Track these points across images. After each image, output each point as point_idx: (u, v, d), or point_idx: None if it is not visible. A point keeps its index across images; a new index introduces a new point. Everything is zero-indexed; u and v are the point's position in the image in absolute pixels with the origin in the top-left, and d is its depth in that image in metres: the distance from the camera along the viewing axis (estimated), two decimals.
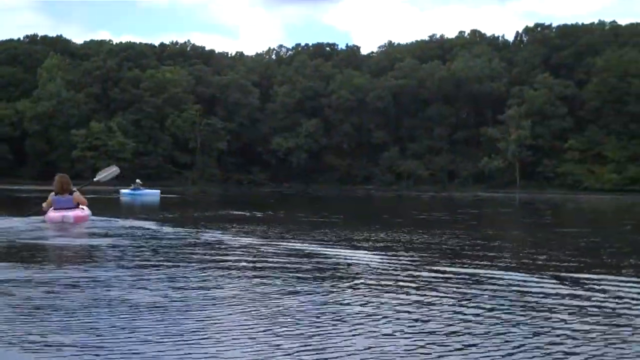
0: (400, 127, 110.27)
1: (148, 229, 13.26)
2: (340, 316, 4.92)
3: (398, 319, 4.87)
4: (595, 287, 6.55)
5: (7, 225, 13.07)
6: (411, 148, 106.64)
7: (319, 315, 4.93)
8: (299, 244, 10.42)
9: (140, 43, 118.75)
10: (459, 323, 4.74)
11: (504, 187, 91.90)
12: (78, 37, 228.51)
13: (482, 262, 8.52)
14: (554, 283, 6.82)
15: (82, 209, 14.62)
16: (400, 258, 8.95)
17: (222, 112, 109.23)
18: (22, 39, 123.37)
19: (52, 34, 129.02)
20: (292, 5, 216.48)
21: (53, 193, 14.28)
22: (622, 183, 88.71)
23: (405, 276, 7.19)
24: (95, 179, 17.86)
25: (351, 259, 8.59)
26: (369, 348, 4.03)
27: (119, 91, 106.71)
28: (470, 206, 35.81)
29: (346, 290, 6.14)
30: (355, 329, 4.48)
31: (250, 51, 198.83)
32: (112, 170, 18.06)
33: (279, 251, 9.39)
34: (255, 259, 8.60)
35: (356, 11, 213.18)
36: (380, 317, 4.91)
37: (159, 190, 44.47)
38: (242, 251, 9.56)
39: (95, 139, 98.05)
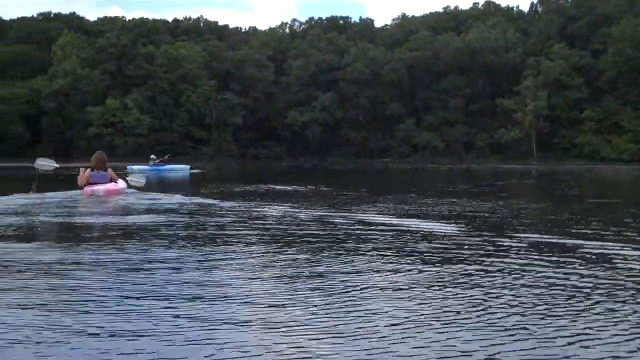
0: (415, 99, 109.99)
1: (211, 204, 13.62)
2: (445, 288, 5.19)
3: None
4: None
5: (46, 200, 13.59)
6: (426, 120, 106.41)
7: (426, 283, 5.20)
8: (370, 216, 10.98)
9: (153, 19, 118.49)
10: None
11: (520, 159, 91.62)
12: (89, 12, 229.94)
13: (532, 234, 8.73)
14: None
15: (116, 183, 15.64)
16: (462, 228, 9.19)
17: (237, 87, 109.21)
18: (35, 16, 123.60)
19: (64, 10, 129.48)
20: None
21: (89, 169, 15.45)
22: (639, 152, 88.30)
23: (480, 244, 7.47)
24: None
25: (426, 230, 9.03)
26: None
27: (134, 68, 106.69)
28: (492, 178, 35.92)
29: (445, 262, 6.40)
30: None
31: (263, 26, 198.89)
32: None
33: (367, 224, 9.72)
34: (344, 233, 8.81)
35: None
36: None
37: (188, 166, 43.50)
38: (324, 225, 9.74)
39: (111, 115, 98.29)
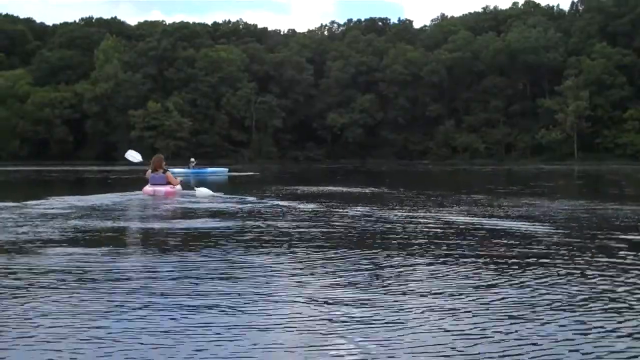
0: (455, 100, 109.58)
1: (285, 206, 13.86)
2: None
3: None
4: None
5: (115, 201, 14.28)
6: (467, 121, 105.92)
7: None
8: (458, 217, 11.16)
9: (193, 23, 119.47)
10: None
11: (562, 159, 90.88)
12: (130, 17, 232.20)
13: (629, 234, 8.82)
14: None
15: (172, 185, 16.94)
16: (553, 228, 9.31)
17: (277, 89, 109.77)
18: (77, 21, 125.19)
19: (106, 15, 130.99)
20: None
21: (150, 170, 16.93)
22: None
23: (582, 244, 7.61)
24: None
25: (517, 230, 9.15)
26: None
27: (174, 71, 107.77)
28: (539, 179, 35.55)
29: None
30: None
31: (302, 28, 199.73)
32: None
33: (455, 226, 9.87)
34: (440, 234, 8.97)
35: None
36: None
37: (226, 168, 43.97)
38: (418, 227, 9.80)
39: (152, 118, 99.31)
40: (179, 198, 16.18)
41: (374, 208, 13.10)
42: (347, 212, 12.19)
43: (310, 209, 12.88)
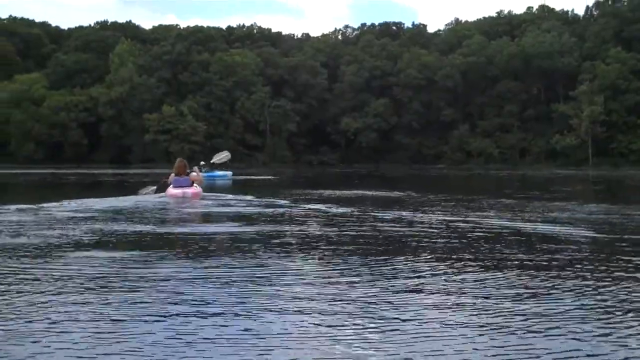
0: (470, 105, 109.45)
1: (318, 209, 13.93)
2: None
3: None
4: None
5: (140, 203, 14.49)
6: (481, 126, 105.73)
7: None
8: (495, 221, 11.23)
9: (208, 27, 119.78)
10: None
11: (576, 165, 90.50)
12: (145, 20, 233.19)
13: None
14: None
15: (196, 186, 17.42)
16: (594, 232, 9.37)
17: (291, 94, 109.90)
18: (92, 25, 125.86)
19: (121, 19, 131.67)
20: None
21: (173, 174, 17.31)
22: None
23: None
24: (211, 161, 20.22)
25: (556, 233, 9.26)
26: None
27: (189, 75, 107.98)
28: (556, 184, 35.52)
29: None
30: None
31: (316, 32, 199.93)
32: (224, 155, 20.29)
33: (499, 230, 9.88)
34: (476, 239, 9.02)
35: None
36: None
37: (231, 172, 43.90)
38: (460, 230, 9.91)
39: (167, 122, 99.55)
40: (203, 201, 16.50)
41: (402, 211, 13.19)
42: (376, 215, 12.26)
43: (340, 213, 13.00)
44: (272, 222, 11.08)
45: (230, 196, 18.22)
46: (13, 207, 12.87)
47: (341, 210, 13.70)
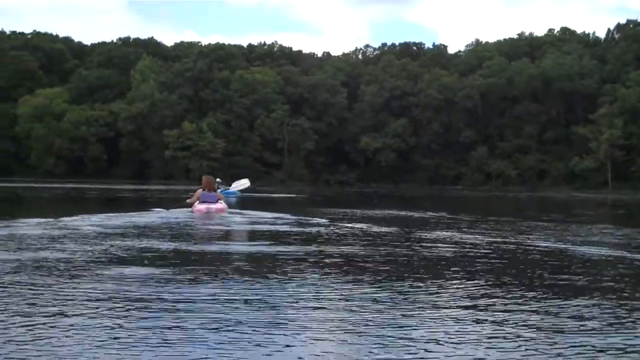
0: (489, 126, 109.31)
1: (361, 228, 14.05)
2: None
3: None
4: None
5: (167, 220, 14.72)
6: (500, 147, 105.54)
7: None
8: (535, 242, 11.27)
9: (229, 44, 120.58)
10: None
11: (595, 188, 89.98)
12: (166, 37, 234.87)
13: None
14: None
15: (221, 202, 17.99)
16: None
17: (310, 112, 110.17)
18: (115, 41, 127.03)
19: (142, 35, 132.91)
20: (377, 3, 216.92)
21: (201, 190, 17.85)
22: None
23: None
24: (231, 188, 20.89)
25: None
26: None
27: (210, 92, 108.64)
28: (576, 207, 35.27)
29: None
30: None
31: (336, 51, 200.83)
32: (243, 182, 20.85)
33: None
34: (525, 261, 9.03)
35: (442, 9, 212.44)
36: None
37: (239, 191, 43.83)
38: (511, 252, 9.97)
39: (187, 139, 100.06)
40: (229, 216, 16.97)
41: (425, 231, 13.21)
42: (413, 236, 12.30)
43: (374, 232, 13.01)
44: (304, 241, 11.11)
45: (259, 213, 18.34)
46: (52, 220, 13.11)
47: (375, 229, 13.75)
